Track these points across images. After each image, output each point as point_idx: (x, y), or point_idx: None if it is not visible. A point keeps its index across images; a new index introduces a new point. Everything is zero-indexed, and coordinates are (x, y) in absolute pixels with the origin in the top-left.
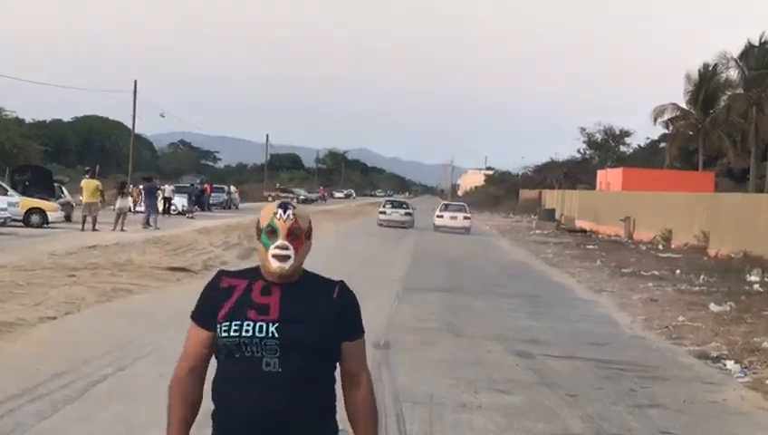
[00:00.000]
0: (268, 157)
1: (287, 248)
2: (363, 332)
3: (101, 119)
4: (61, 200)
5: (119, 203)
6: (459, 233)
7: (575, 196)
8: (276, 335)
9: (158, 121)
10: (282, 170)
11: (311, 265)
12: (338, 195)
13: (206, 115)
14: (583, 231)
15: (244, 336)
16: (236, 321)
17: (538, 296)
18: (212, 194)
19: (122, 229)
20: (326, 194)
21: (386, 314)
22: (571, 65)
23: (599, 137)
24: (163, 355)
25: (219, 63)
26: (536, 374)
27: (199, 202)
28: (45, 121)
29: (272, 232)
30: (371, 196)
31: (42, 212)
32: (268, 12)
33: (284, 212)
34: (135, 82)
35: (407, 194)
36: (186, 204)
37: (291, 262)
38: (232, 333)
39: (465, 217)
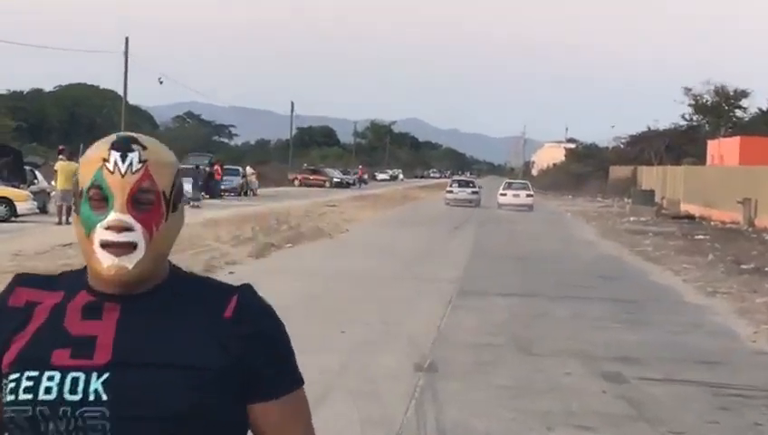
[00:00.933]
0: (294, 131)
1: (128, 229)
2: (296, 381)
3: (90, 88)
4: (33, 188)
5: None
6: (523, 211)
7: (680, 173)
8: (104, 399)
9: (159, 91)
10: (312, 147)
11: (335, 262)
12: (381, 176)
13: (219, 82)
14: (691, 217)
15: (43, 401)
16: (32, 371)
17: (633, 301)
18: (224, 177)
19: None
20: (365, 175)
21: (434, 326)
22: (670, 13)
23: (708, 99)
24: None
25: (235, 17)
26: (630, 404)
27: (208, 188)
28: (23, 93)
29: (98, 198)
30: (423, 177)
31: (9, 202)
32: None
33: (123, 157)
34: (126, 39)
35: (467, 174)
36: (190, 190)
37: (137, 256)
38: (21, 396)
39: (528, 195)
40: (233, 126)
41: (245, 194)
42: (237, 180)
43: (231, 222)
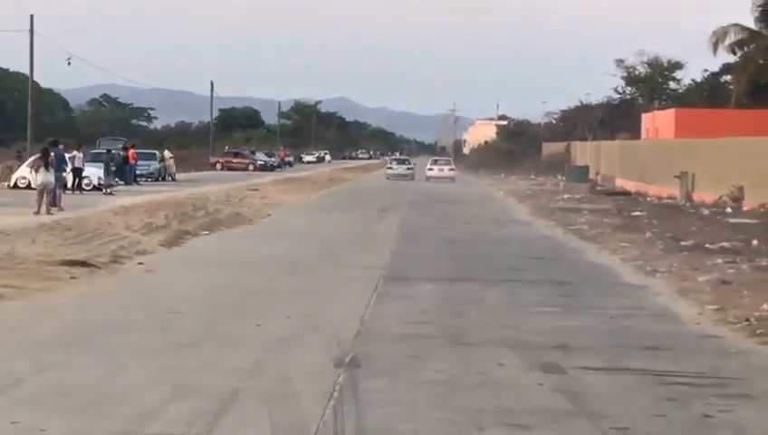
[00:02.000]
0: (216, 112)
1: None
2: None
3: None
4: None
5: (40, 177)
6: (446, 182)
7: (614, 148)
8: None
9: (78, 73)
10: (235, 130)
11: (254, 249)
12: (308, 158)
13: (141, 62)
14: (626, 193)
15: None
16: None
17: (569, 283)
18: (139, 162)
19: (49, 211)
20: (287, 157)
21: (357, 317)
22: None
23: (642, 71)
24: (22, 395)
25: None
26: (568, 398)
27: (121, 173)
28: None
29: None
30: (351, 158)
31: None
32: None
33: None
34: (31, 17)
35: (397, 154)
36: (102, 176)
37: None
38: None
39: (450, 169)
40: (152, 108)
41: (163, 179)
42: (154, 165)
43: (144, 209)
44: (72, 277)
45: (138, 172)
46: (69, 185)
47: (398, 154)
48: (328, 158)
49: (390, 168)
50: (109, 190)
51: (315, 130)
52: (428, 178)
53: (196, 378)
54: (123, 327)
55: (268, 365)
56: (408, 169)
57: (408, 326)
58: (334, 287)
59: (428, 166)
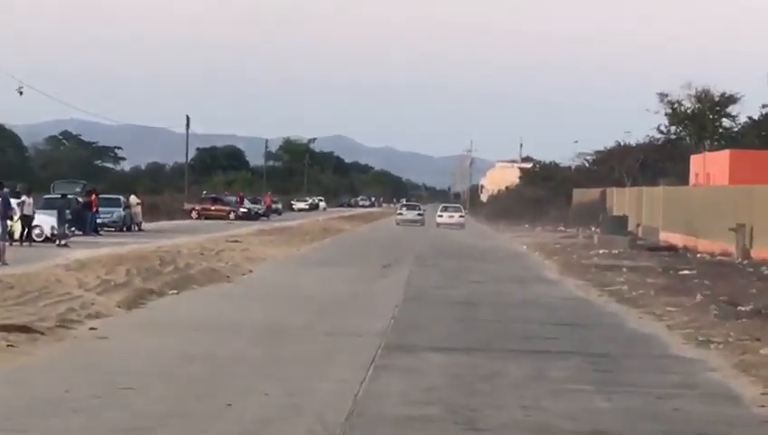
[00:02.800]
0: (194, 152)
1: None
2: None
3: None
4: None
5: None
6: (456, 229)
7: (658, 195)
8: None
9: (32, 107)
10: (216, 172)
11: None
12: (299, 205)
13: (105, 96)
14: (672, 248)
15: None
16: None
17: (606, 355)
18: (99, 209)
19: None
20: (277, 204)
21: (349, 395)
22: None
23: (689, 106)
24: None
25: (123, 20)
26: None
27: (79, 222)
28: None
29: None
30: (350, 205)
31: None
32: None
33: None
34: None
35: (403, 202)
36: (55, 225)
37: None
38: None
39: (460, 216)
40: (119, 148)
41: (128, 229)
42: (118, 213)
43: (102, 264)
44: (8, 345)
45: (99, 221)
46: (17, 235)
47: (395, 202)
48: (323, 205)
49: (401, 213)
50: (63, 242)
51: (308, 173)
52: (439, 225)
53: None
54: (63, 407)
55: None
56: (419, 214)
57: (410, 407)
58: (324, 358)
59: (438, 213)
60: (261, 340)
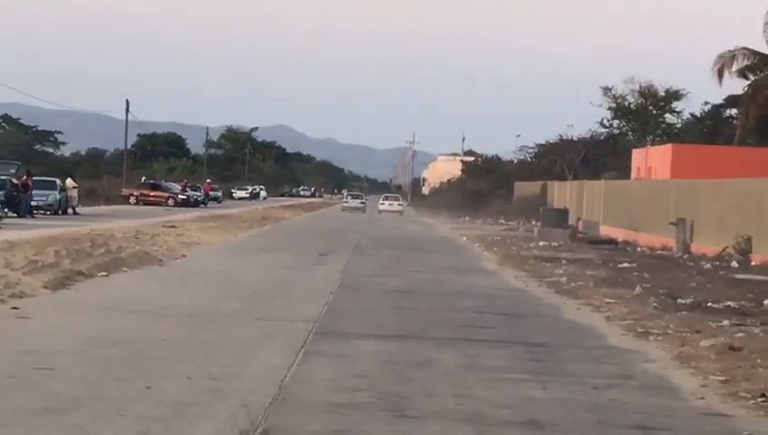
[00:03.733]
0: (135, 138)
1: None
2: None
3: None
4: None
5: None
6: (396, 215)
7: (599, 189)
8: None
9: None
10: (157, 158)
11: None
12: (239, 194)
13: (48, 80)
14: (612, 242)
15: None
16: None
17: (543, 345)
18: (34, 192)
19: None
20: (217, 191)
21: (275, 380)
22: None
23: (632, 100)
24: None
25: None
26: None
27: (13, 204)
28: None
29: None
30: (291, 195)
31: None
32: None
33: None
34: None
35: (344, 193)
36: None
37: None
38: None
39: (399, 204)
40: (59, 132)
41: (64, 212)
42: (53, 196)
43: (32, 244)
44: None
45: (33, 203)
46: None
47: (336, 193)
48: (263, 194)
49: (346, 201)
50: None
51: (250, 162)
52: (380, 212)
53: None
54: None
55: None
56: (361, 202)
57: (338, 393)
58: (252, 343)
59: (381, 201)
60: (188, 324)
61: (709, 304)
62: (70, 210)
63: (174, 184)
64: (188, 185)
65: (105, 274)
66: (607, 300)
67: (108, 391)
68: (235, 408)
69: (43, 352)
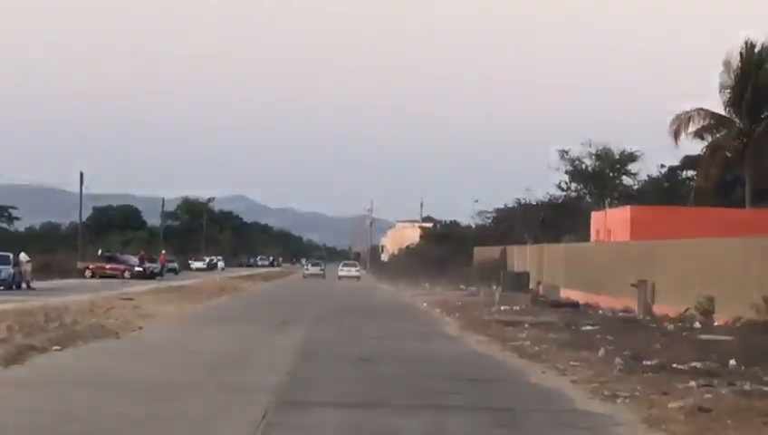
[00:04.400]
0: (90, 211)
1: None
2: None
3: None
4: None
5: None
6: (355, 281)
7: (559, 252)
8: None
9: None
10: (113, 230)
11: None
12: (196, 265)
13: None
14: (574, 305)
15: None
16: None
17: (509, 410)
18: None
19: None
20: (166, 263)
21: None
22: (540, 64)
23: (589, 163)
24: None
25: (19, 77)
26: None
27: None
28: None
29: None
30: (249, 265)
31: None
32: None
33: None
34: None
35: (304, 262)
36: None
37: None
38: None
39: (357, 271)
40: (13, 207)
41: (18, 287)
42: (6, 270)
43: None
44: None
45: None
46: None
47: (294, 262)
48: (221, 264)
49: (307, 269)
50: None
51: (207, 233)
52: (340, 277)
53: None
54: None
55: None
56: (321, 269)
57: None
58: (212, 416)
59: (340, 268)
60: (145, 398)
61: (675, 366)
62: (24, 285)
63: (130, 256)
64: (146, 257)
65: (59, 348)
66: (572, 363)
67: None
68: None
69: None
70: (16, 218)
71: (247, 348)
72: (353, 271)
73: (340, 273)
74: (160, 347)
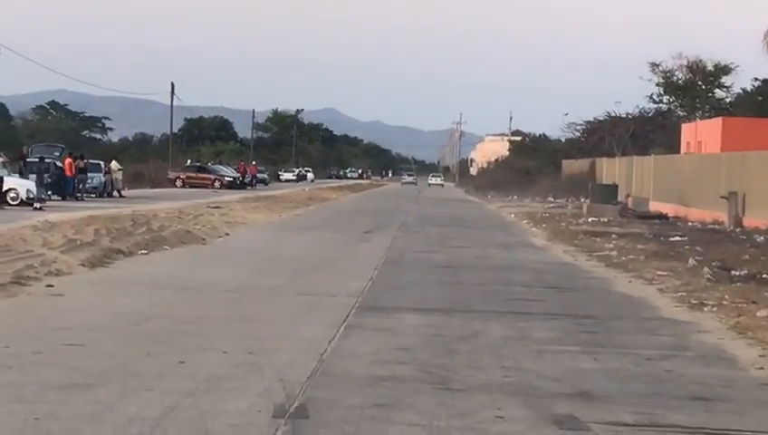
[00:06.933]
0: (182, 122)
1: None
2: None
3: None
4: None
5: None
6: (439, 186)
7: (648, 165)
8: None
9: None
10: (203, 142)
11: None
12: (286, 176)
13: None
14: (663, 217)
15: None
16: None
17: (593, 317)
18: (78, 174)
19: None
20: (257, 173)
21: (315, 354)
22: None
23: (681, 76)
24: None
25: None
26: None
27: (57, 186)
28: None
29: None
30: (339, 177)
31: None
32: None
33: None
34: None
35: (390, 175)
36: (32, 189)
37: None
38: None
39: (441, 180)
40: (107, 118)
41: (109, 195)
42: (97, 178)
43: (71, 224)
44: None
45: (83, 185)
46: None
47: (384, 175)
48: (310, 176)
49: (404, 178)
50: (38, 205)
51: (297, 144)
52: (429, 185)
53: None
54: None
55: (182, 414)
56: (414, 179)
57: (380, 366)
58: (292, 317)
59: (429, 178)
60: (228, 300)
61: (764, 276)
62: (115, 193)
63: (220, 166)
64: (244, 167)
65: (145, 252)
66: (659, 273)
67: (138, 366)
68: (270, 382)
69: (74, 328)
70: (110, 129)
71: (332, 255)
72: (438, 180)
73: (429, 181)
74: (246, 253)
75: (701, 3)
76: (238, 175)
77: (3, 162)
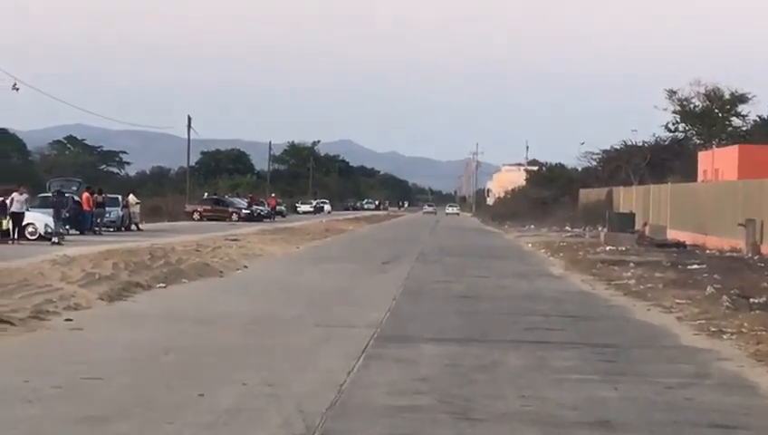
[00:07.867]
0: (199, 156)
1: None
2: None
3: None
4: None
5: None
6: (456, 217)
7: (665, 192)
8: None
9: (39, 112)
10: (221, 175)
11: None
12: (303, 208)
13: (113, 101)
14: (680, 245)
15: None
16: None
17: (612, 346)
18: (96, 209)
19: None
20: (277, 205)
21: (334, 385)
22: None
23: (698, 104)
24: None
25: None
26: None
27: (75, 221)
28: None
29: None
30: (355, 208)
31: None
32: None
33: None
34: None
35: (406, 205)
36: (50, 224)
37: None
38: None
39: (457, 209)
40: (124, 152)
41: (127, 229)
42: (115, 212)
43: (90, 258)
44: None
45: (100, 220)
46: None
47: (400, 205)
48: (327, 208)
49: (425, 209)
50: (56, 240)
51: (314, 176)
52: (447, 214)
53: None
54: (17, 397)
55: None
56: (434, 209)
57: (400, 397)
58: (311, 348)
59: (446, 208)
60: (246, 331)
61: None
62: (133, 226)
63: (237, 199)
64: (255, 199)
65: (163, 285)
66: (677, 301)
67: (157, 398)
68: (290, 413)
69: (93, 362)
70: (127, 163)
71: (350, 285)
72: (455, 210)
73: (447, 211)
74: (263, 285)
75: (718, 32)
76: (254, 208)
77: (26, 199)
